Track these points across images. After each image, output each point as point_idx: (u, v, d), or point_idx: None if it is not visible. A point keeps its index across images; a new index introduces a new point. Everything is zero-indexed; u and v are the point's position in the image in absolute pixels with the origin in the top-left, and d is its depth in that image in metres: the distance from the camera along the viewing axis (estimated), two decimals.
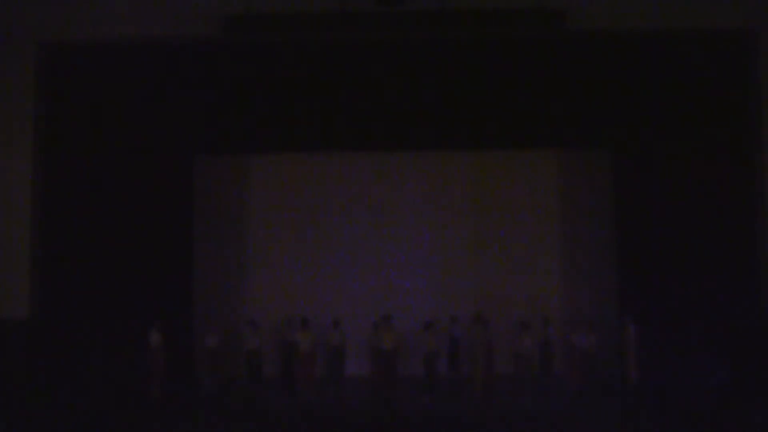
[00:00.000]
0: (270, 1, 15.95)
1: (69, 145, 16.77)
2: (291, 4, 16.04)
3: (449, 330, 17.32)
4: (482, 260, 18.34)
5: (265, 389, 16.33)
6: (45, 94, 16.59)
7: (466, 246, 18.38)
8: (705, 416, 13.51)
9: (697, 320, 16.09)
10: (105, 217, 16.86)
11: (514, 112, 17.39)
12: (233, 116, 17.37)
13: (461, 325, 17.31)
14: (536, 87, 17.05)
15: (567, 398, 15.43)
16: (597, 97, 17.15)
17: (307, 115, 17.39)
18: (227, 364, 17.09)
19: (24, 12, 16.34)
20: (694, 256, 16.45)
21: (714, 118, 16.60)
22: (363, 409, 14.73)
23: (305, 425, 13.35)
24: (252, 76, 17.00)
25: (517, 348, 15.85)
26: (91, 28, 16.33)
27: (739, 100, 16.49)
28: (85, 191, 16.80)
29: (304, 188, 18.53)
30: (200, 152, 18.06)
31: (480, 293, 18.16)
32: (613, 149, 17.73)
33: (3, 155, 16.38)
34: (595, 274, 17.94)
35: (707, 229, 16.48)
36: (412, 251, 18.34)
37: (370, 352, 16.27)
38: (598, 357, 15.99)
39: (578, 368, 15.90)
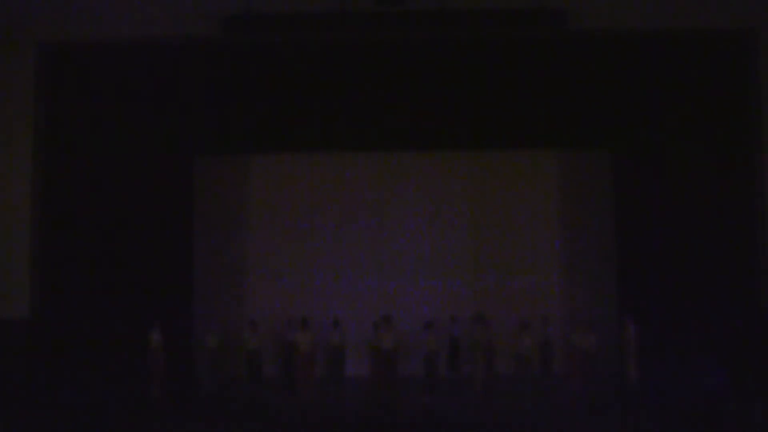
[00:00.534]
0: (270, 1, 15.97)
1: (69, 144, 16.78)
2: (291, 4, 16.06)
3: (449, 330, 17.32)
4: (482, 260, 18.34)
5: (265, 389, 16.33)
6: (45, 94, 16.61)
7: (466, 246, 18.38)
8: (705, 416, 13.50)
9: (697, 320, 16.07)
10: (105, 217, 16.85)
11: (514, 112, 17.38)
12: (233, 116, 17.36)
13: (461, 325, 17.32)
14: (536, 87, 17.05)
15: (567, 398, 15.42)
16: (597, 97, 17.15)
17: (307, 115, 17.38)
18: (227, 364, 17.09)
19: (24, 12, 16.35)
20: (693, 256, 16.44)
21: (714, 118, 16.60)
22: (363, 409, 14.73)
23: (305, 425, 13.35)
24: (252, 76, 16.99)
25: (517, 348, 15.84)
26: (91, 28, 16.36)
27: (739, 100, 16.50)
28: (85, 191, 16.80)
29: (305, 188, 18.52)
30: (200, 152, 18.05)
31: (480, 293, 18.16)
32: (613, 149, 17.72)
33: (3, 155, 16.41)
34: (595, 274, 17.93)
35: (707, 230, 16.47)
36: (412, 251, 18.34)
37: (370, 352, 16.26)
38: (598, 357, 15.97)
39: (578, 368, 15.89)
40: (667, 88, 16.74)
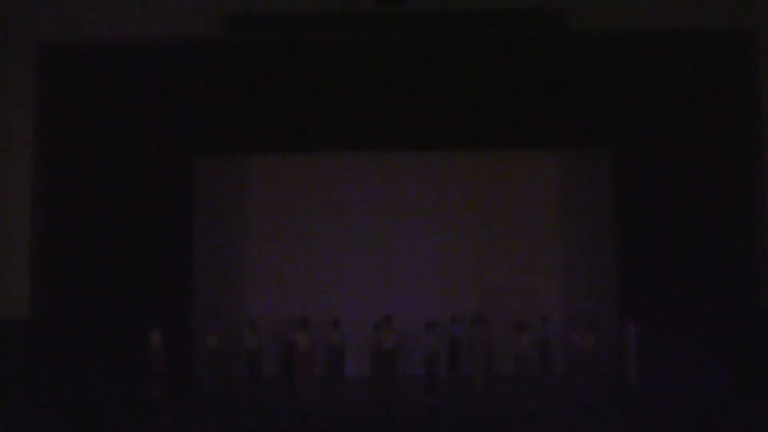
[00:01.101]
0: (270, 1, 15.98)
1: (69, 145, 16.77)
2: (291, 4, 16.08)
3: (449, 330, 17.33)
4: (482, 260, 18.36)
5: (265, 389, 16.34)
6: (45, 95, 16.61)
7: (466, 246, 18.40)
8: (704, 416, 13.50)
9: (697, 320, 16.08)
10: (105, 217, 16.84)
11: (514, 112, 17.36)
12: (233, 116, 17.34)
13: (461, 326, 17.33)
14: (536, 87, 17.04)
15: (567, 398, 15.43)
16: (597, 97, 17.14)
17: (307, 115, 17.37)
18: (227, 364, 17.09)
19: (24, 12, 16.35)
20: (693, 256, 16.44)
21: (714, 118, 16.60)
22: (363, 409, 14.73)
23: (305, 425, 13.34)
24: (252, 76, 16.99)
25: (516, 348, 15.84)
26: (91, 28, 16.36)
27: (738, 100, 16.51)
28: (84, 191, 16.79)
29: (305, 188, 18.56)
30: (200, 152, 18.04)
31: (480, 293, 18.18)
32: (613, 149, 17.72)
33: (3, 156, 16.40)
34: (595, 274, 17.95)
35: (707, 229, 16.48)
36: (413, 251, 18.37)
37: (370, 352, 16.26)
38: (598, 357, 15.98)
39: (578, 368, 15.90)
40: (667, 88, 16.73)
